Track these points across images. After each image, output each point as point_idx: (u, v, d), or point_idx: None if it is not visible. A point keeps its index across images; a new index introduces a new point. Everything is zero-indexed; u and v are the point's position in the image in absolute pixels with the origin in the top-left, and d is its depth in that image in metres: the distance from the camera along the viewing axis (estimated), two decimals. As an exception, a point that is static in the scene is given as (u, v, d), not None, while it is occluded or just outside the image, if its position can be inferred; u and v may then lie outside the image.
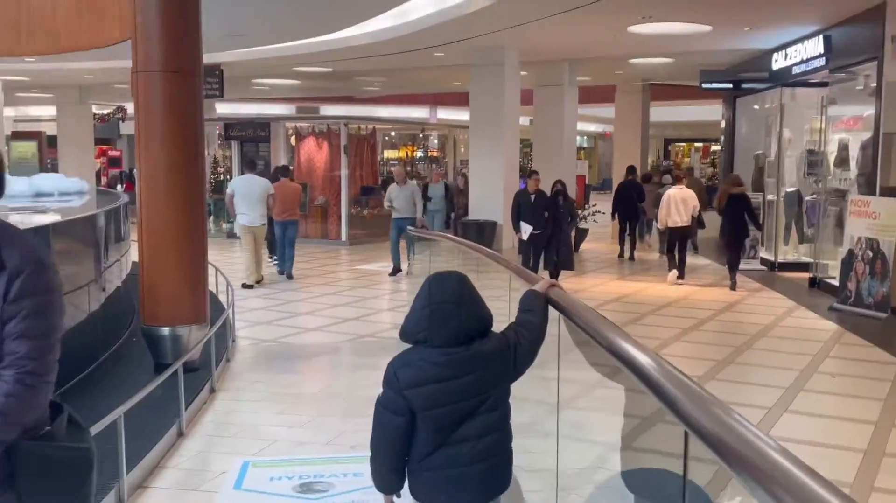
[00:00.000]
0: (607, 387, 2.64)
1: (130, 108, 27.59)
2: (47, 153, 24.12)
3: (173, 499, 4.32)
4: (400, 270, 12.57)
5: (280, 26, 13.53)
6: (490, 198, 14.69)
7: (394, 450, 2.60)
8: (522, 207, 11.52)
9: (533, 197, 11.52)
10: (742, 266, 12.19)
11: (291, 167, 17.66)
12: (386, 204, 13.06)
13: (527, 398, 3.30)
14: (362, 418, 5.65)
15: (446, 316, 2.55)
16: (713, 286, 11.78)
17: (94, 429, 4.00)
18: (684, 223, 11.88)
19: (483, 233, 14.26)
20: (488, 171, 14.81)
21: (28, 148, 22.98)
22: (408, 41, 13.77)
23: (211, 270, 10.77)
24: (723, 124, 17.64)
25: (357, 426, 5.54)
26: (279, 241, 12.45)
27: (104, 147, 34.32)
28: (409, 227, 12.11)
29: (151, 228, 6.43)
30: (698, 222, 12.85)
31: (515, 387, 2.76)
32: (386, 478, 2.66)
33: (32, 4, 6.79)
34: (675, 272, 12.01)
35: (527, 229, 11.33)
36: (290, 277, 12.27)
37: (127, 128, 30.17)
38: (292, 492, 4.36)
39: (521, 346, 2.65)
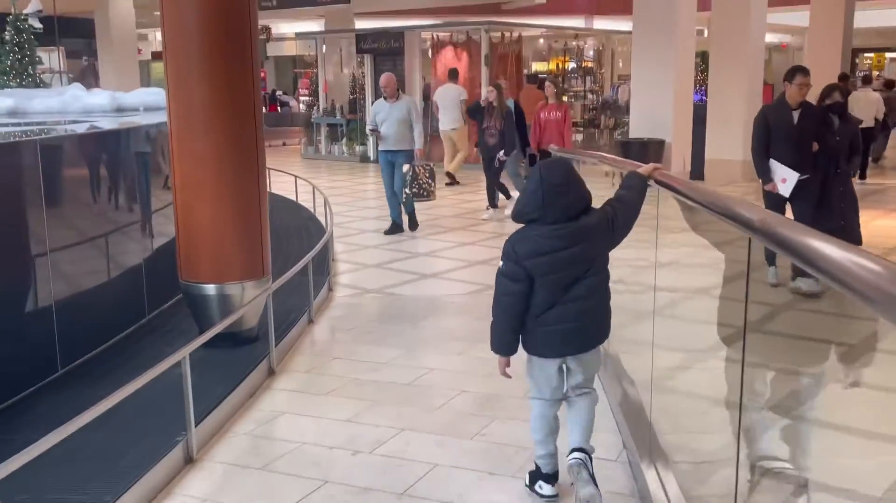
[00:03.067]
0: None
1: (276, 28, 26.24)
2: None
3: None
4: (400, 228, 8.94)
5: None
6: (657, 114, 12.20)
7: (514, 313, 3.01)
8: (776, 133, 6.21)
9: (796, 115, 6.20)
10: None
11: (429, 81, 15.80)
12: (368, 127, 9.42)
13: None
14: (465, 440, 3.73)
15: (557, 196, 2.92)
16: None
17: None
18: (867, 124, 11.50)
19: (647, 154, 11.72)
20: (655, 82, 12.27)
21: (166, 68, 22.45)
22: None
23: (320, 199, 9.15)
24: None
25: (458, 457, 3.56)
26: None
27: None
28: (404, 167, 8.58)
29: (185, 148, 4.63)
30: (883, 125, 12.59)
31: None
32: (506, 339, 3.07)
33: None
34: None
35: (790, 176, 6.09)
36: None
37: (274, 48, 28.90)
38: None
39: (618, 219, 3.04)
